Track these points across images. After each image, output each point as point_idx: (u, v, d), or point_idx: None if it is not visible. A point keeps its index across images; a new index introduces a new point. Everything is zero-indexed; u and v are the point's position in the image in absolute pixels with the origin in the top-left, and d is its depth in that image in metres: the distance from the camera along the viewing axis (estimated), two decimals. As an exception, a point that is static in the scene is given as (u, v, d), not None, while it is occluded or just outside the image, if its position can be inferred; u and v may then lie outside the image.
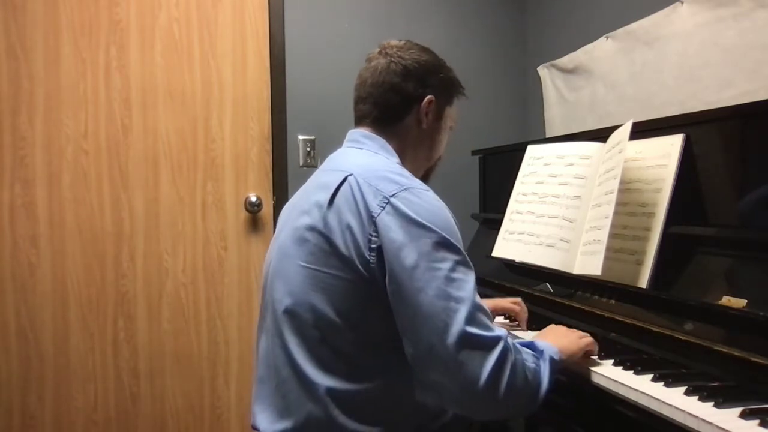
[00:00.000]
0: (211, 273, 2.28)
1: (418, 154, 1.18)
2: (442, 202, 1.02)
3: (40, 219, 2.10)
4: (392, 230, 0.94)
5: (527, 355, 0.97)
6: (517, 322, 1.41)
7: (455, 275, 0.93)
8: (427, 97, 1.14)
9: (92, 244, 2.15)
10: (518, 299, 1.42)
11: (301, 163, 2.35)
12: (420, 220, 0.95)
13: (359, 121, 1.18)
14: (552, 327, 1.20)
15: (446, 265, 0.93)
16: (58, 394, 2.12)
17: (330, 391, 0.98)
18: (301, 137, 2.36)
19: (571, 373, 1.12)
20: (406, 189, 0.98)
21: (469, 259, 0.98)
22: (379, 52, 1.16)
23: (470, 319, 0.90)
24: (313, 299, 1.00)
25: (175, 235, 2.24)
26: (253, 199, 2.30)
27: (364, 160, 1.09)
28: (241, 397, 2.32)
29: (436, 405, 1.05)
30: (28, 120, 2.08)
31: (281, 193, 2.32)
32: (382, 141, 1.13)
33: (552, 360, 1.00)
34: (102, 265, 2.16)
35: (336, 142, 1.22)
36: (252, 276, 2.32)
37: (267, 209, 2.33)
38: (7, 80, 2.06)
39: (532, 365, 0.96)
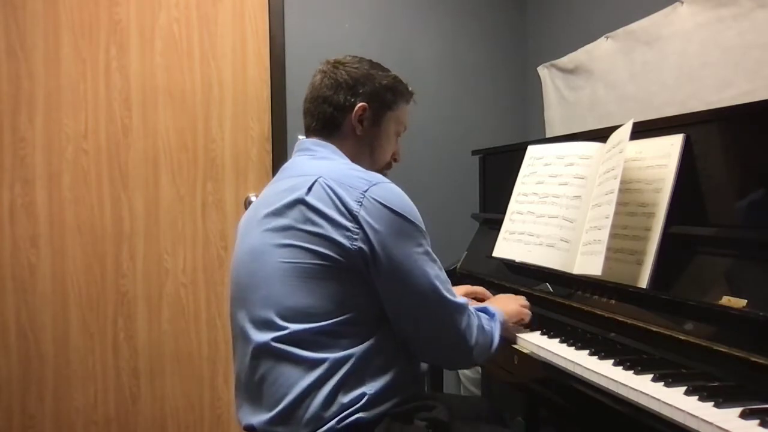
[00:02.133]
0: (211, 273, 2.28)
1: (360, 159, 1.24)
2: (403, 192, 1.13)
3: (40, 219, 2.10)
4: (374, 223, 1.05)
5: (482, 317, 1.19)
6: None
7: (429, 257, 1.11)
8: (359, 104, 1.22)
9: (92, 244, 2.15)
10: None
11: (301, 163, 2.35)
12: (396, 209, 1.07)
13: (306, 133, 1.29)
14: (500, 295, 1.46)
15: (421, 249, 1.10)
16: (58, 394, 2.12)
17: (322, 361, 1.04)
18: (301, 137, 2.35)
19: (572, 373, 1.12)
20: (375, 184, 1.09)
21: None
22: (319, 70, 1.27)
23: (446, 290, 1.11)
24: (297, 291, 1.06)
25: (175, 235, 2.24)
26: (253, 199, 2.30)
27: (325, 164, 1.17)
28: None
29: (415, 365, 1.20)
30: (28, 120, 2.08)
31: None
32: (332, 147, 1.23)
33: (501, 321, 1.23)
34: (102, 265, 2.16)
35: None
36: (252, 276, 2.32)
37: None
38: (7, 80, 2.06)
39: (487, 326, 1.17)
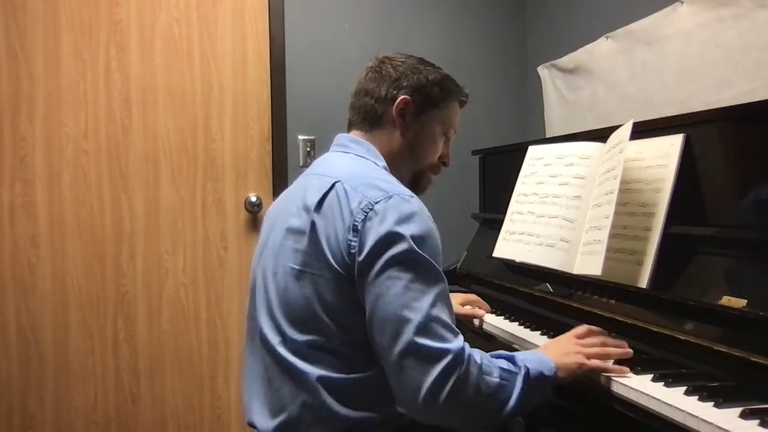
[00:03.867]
0: (211, 273, 2.28)
1: (398, 157, 1.18)
2: (425, 209, 1.03)
3: (40, 219, 2.10)
4: (369, 237, 0.97)
5: (494, 368, 0.97)
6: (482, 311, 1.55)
7: (414, 285, 0.95)
8: (400, 97, 1.15)
9: (92, 244, 2.15)
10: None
11: (301, 163, 2.35)
12: (396, 229, 0.97)
13: (348, 128, 1.23)
14: (567, 337, 1.13)
15: (407, 276, 0.95)
16: (58, 394, 2.12)
17: (322, 379, 1.01)
18: (301, 137, 2.36)
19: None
20: (390, 196, 1.00)
21: (439, 270, 0.99)
22: (367, 66, 1.21)
23: (421, 330, 0.92)
24: (302, 298, 1.03)
25: (175, 235, 2.23)
26: (253, 199, 2.30)
27: (351, 166, 1.12)
28: (241, 397, 2.32)
29: None
30: (28, 120, 2.08)
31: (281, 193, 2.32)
32: (368, 145, 1.16)
33: (533, 377, 0.99)
34: (102, 265, 2.16)
35: (336, 142, 1.23)
36: (252, 276, 2.32)
37: (267, 209, 2.33)
38: (7, 80, 2.06)
39: (496, 379, 0.96)
